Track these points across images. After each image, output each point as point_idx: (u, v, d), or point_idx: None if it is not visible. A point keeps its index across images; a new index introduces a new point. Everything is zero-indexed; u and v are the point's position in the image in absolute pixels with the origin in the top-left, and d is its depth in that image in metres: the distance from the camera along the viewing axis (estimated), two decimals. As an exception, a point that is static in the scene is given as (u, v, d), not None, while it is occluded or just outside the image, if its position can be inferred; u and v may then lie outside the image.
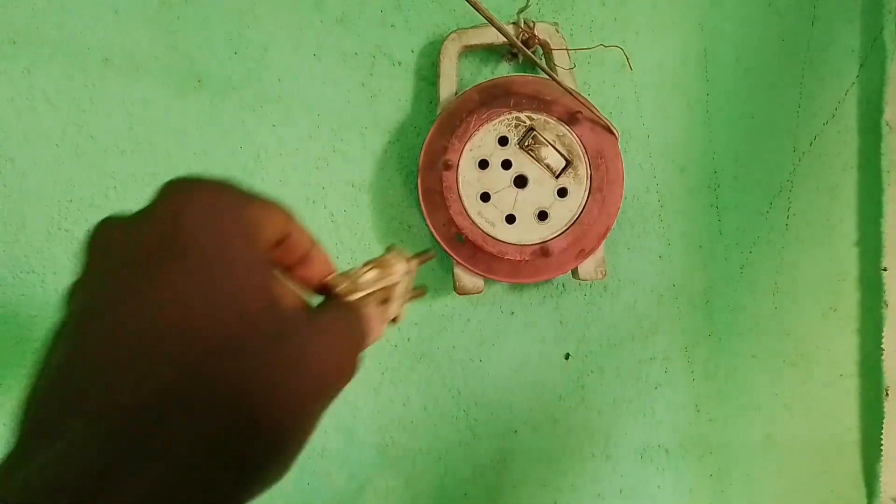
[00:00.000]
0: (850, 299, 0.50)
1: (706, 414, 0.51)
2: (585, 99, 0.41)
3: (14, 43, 0.40)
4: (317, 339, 0.20)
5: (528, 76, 0.43)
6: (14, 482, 0.15)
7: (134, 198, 0.42)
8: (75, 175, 0.42)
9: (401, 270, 0.25)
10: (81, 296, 0.19)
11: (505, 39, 0.42)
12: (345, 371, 0.20)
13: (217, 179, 0.20)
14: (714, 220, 0.49)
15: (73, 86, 0.41)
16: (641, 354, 0.50)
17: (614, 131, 0.41)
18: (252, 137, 0.43)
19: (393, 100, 0.44)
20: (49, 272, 0.42)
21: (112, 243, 0.19)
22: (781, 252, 0.49)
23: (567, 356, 0.49)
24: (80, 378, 0.17)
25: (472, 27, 0.41)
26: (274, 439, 0.18)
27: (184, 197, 0.19)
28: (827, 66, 0.47)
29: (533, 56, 0.39)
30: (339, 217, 0.45)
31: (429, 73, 0.44)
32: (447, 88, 0.43)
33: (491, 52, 0.44)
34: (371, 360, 0.47)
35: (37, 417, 0.17)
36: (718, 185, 0.48)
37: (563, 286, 0.48)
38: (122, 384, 0.16)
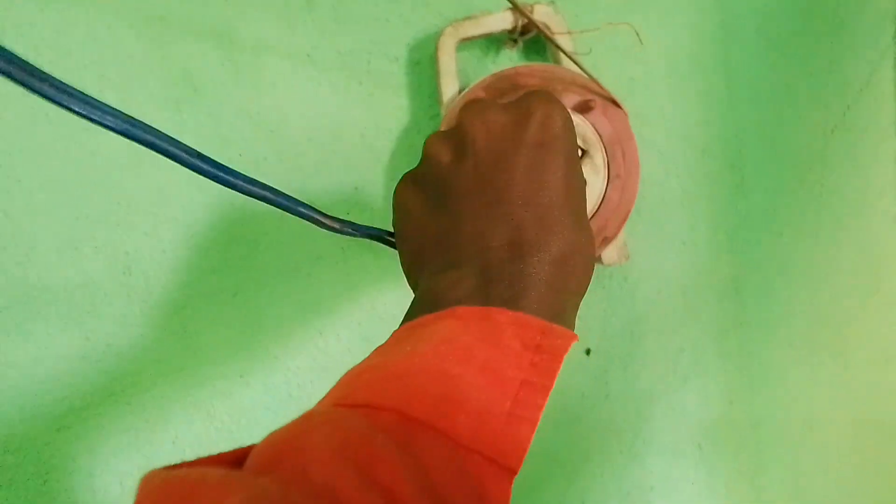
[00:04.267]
0: (893, 280, 0.46)
1: (740, 406, 0.48)
2: (590, 74, 0.39)
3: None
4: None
5: (534, 65, 0.41)
6: (428, 291, 0.26)
7: (139, 213, 0.42)
8: (81, 192, 0.42)
9: None
10: (467, 162, 0.27)
11: (504, 27, 0.40)
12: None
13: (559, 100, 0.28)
14: (741, 203, 0.46)
15: (73, 104, 0.41)
16: (668, 347, 0.48)
17: (622, 107, 0.39)
18: (251, 144, 0.42)
19: (391, 97, 0.43)
20: (60, 290, 0.42)
21: (495, 125, 0.27)
22: (816, 233, 0.46)
23: (588, 352, 0.47)
24: (462, 236, 0.26)
25: (467, 18, 0.40)
26: (581, 265, 0.27)
27: (554, 111, 0.27)
28: (858, 30, 0.43)
29: (544, 29, 0.37)
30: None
31: (427, 67, 0.42)
32: (449, 85, 0.41)
33: (490, 42, 0.42)
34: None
35: (436, 259, 0.27)
36: (743, 166, 0.45)
37: (580, 280, 0.46)
38: (493, 234, 0.26)
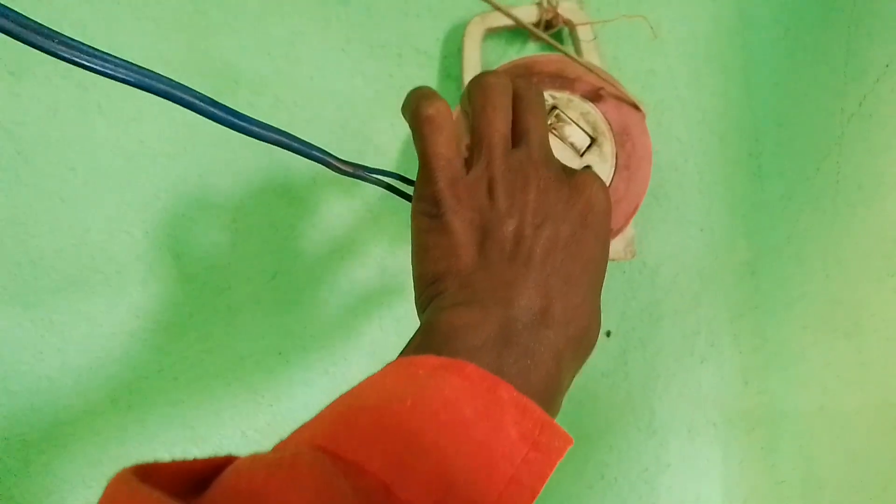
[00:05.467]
0: (907, 264, 0.47)
1: (755, 387, 0.50)
2: (610, 76, 0.40)
3: (67, 60, 0.43)
4: None
5: (552, 55, 0.42)
6: (442, 325, 0.25)
7: (183, 199, 0.45)
8: (129, 180, 0.45)
9: None
10: (513, 222, 0.28)
11: (529, 21, 0.42)
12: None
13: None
14: (757, 189, 0.47)
15: (122, 96, 0.44)
16: (685, 329, 0.49)
17: (640, 108, 0.40)
18: (288, 134, 0.45)
19: (421, 88, 0.45)
20: (113, 272, 0.45)
21: (548, 186, 0.28)
22: (831, 218, 0.47)
23: (608, 333, 0.49)
24: (491, 282, 0.27)
25: (494, 10, 0.41)
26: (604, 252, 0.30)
27: (602, 194, 0.29)
28: (875, 18, 0.44)
29: (548, 37, 0.39)
30: (374, 207, 0.46)
31: (455, 60, 0.44)
32: (472, 74, 0.43)
33: (516, 33, 0.44)
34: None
35: (459, 291, 0.27)
36: (760, 153, 0.47)
37: (601, 264, 0.48)
38: (523, 293, 0.26)
